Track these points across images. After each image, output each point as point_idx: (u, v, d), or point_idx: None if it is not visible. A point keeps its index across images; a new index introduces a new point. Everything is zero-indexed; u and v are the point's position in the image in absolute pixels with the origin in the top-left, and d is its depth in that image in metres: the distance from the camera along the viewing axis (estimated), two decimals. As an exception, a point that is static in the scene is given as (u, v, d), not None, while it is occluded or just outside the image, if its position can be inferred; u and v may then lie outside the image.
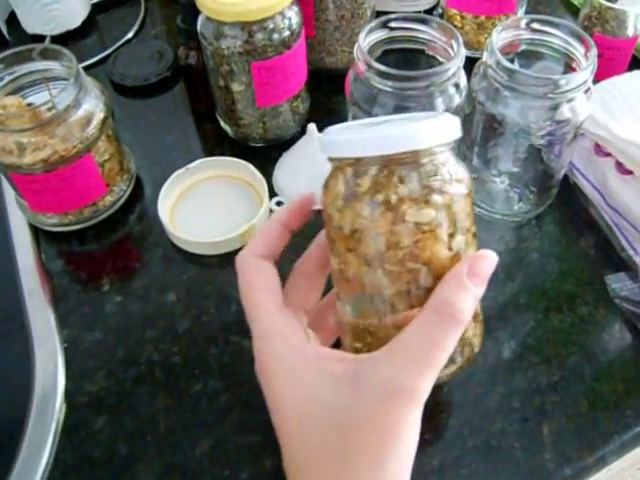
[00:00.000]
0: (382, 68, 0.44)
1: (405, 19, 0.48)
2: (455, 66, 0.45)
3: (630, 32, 0.60)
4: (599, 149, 0.54)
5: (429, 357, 0.30)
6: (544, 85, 0.45)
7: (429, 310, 0.31)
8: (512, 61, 0.62)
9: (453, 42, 0.46)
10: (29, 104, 0.53)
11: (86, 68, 0.69)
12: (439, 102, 0.46)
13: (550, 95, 0.45)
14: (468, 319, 0.31)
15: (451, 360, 0.33)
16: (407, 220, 0.30)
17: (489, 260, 0.33)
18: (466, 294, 0.31)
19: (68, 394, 0.47)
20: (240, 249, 0.53)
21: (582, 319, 0.50)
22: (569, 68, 0.49)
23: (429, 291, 0.31)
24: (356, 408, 0.30)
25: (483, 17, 0.65)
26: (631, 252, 0.51)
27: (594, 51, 0.45)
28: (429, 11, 0.72)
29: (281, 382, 0.33)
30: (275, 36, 0.52)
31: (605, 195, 0.54)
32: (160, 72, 0.67)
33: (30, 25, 0.72)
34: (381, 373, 0.30)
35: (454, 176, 0.31)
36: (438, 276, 0.31)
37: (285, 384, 0.33)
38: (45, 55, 0.53)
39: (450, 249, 0.32)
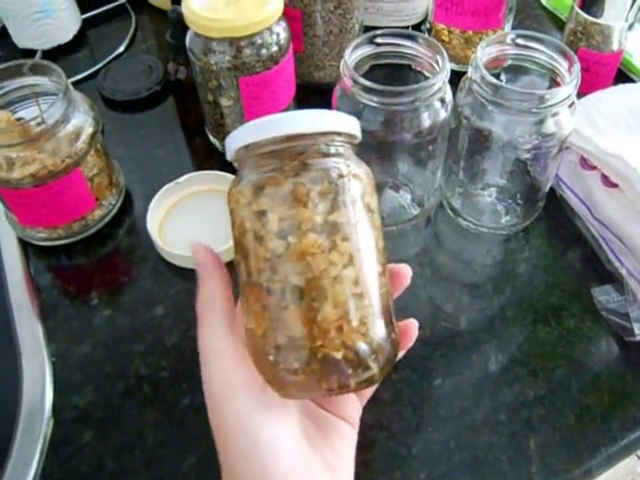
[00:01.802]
0: (367, 83, 0.45)
1: (390, 35, 0.49)
2: (440, 81, 0.46)
3: (615, 47, 0.61)
4: (585, 162, 0.54)
5: None
6: (528, 100, 0.45)
7: None
8: (498, 75, 0.63)
9: (438, 57, 0.47)
10: (18, 119, 0.54)
11: (77, 82, 0.70)
12: (425, 117, 0.47)
13: (534, 110, 0.45)
14: None
15: (363, 366, 0.30)
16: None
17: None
18: None
19: (56, 408, 0.46)
20: (227, 264, 0.54)
21: (569, 331, 0.50)
22: (554, 83, 0.49)
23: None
24: None
25: (470, 32, 0.66)
26: (617, 264, 0.52)
27: (577, 66, 0.46)
28: (417, 26, 0.72)
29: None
30: (263, 51, 0.53)
31: (591, 208, 0.54)
32: (150, 86, 0.67)
33: (21, 40, 0.73)
34: None
35: (351, 171, 0.31)
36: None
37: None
38: (35, 70, 0.53)
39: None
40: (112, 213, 0.57)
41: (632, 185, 0.50)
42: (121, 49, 0.74)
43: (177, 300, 0.52)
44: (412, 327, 0.35)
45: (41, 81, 0.54)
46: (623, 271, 0.51)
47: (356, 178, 0.31)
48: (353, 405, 0.37)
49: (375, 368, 0.31)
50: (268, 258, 0.30)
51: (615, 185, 0.52)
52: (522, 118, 0.46)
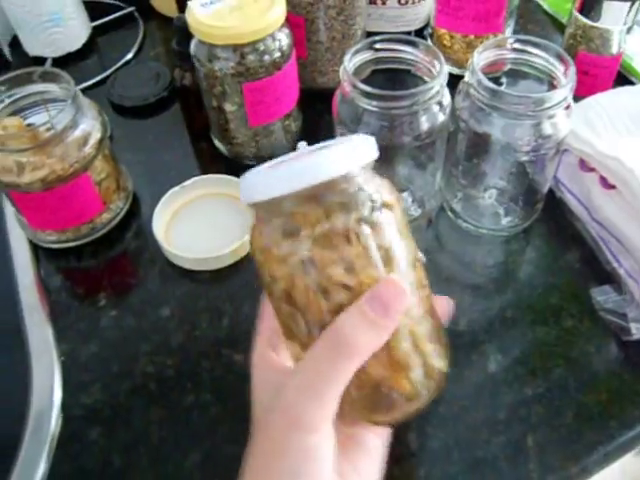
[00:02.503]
0: (366, 88, 0.46)
1: (389, 40, 0.49)
2: (438, 85, 0.47)
3: (614, 50, 0.61)
4: (583, 164, 0.55)
5: (316, 388, 0.29)
6: (525, 103, 0.46)
7: (323, 337, 0.29)
8: (498, 79, 0.64)
9: (436, 62, 0.48)
10: (29, 125, 0.55)
11: (86, 89, 0.71)
12: (423, 120, 0.48)
13: (531, 113, 0.46)
14: (365, 351, 0.29)
15: (414, 396, 0.31)
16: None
17: (392, 285, 0.29)
18: (362, 323, 0.28)
19: (64, 406, 0.48)
20: (232, 265, 0.55)
21: (567, 331, 0.50)
22: (551, 86, 0.50)
23: None
24: (267, 430, 0.31)
25: (472, 36, 0.67)
26: (615, 265, 0.52)
27: (573, 69, 0.47)
28: (420, 31, 0.73)
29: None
30: (266, 57, 0.54)
31: (590, 209, 0.55)
32: (158, 93, 0.69)
33: (32, 48, 0.74)
34: (282, 395, 0.30)
35: (380, 199, 0.31)
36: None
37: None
38: (44, 78, 0.55)
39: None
40: (120, 216, 0.58)
41: (629, 186, 0.50)
42: (129, 56, 0.76)
43: (182, 301, 0.53)
44: (447, 305, 0.35)
45: (51, 88, 0.55)
46: (621, 271, 0.51)
47: (388, 207, 0.31)
48: None
49: (425, 395, 0.32)
50: (332, 310, 0.30)
51: (613, 187, 0.52)
52: (519, 121, 0.47)
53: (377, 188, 0.31)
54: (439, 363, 0.33)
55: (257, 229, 0.32)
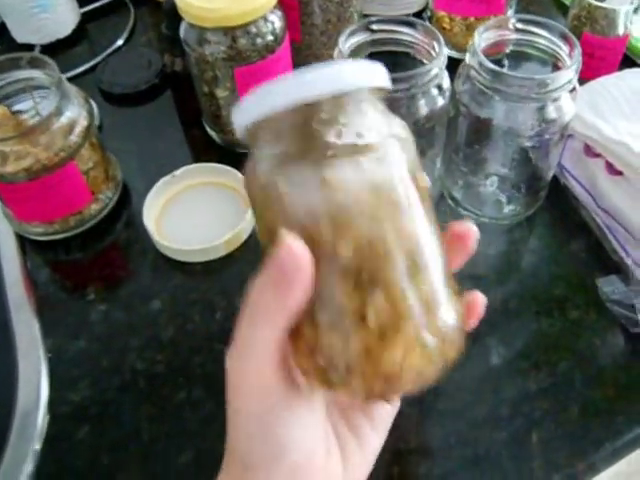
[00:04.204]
0: (362, 71, 0.44)
1: (386, 21, 0.47)
2: (437, 67, 0.45)
3: (620, 31, 0.59)
4: (589, 150, 0.53)
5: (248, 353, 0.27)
6: (528, 85, 0.44)
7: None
8: (500, 62, 0.61)
9: (435, 43, 0.46)
10: (15, 112, 0.53)
11: (76, 76, 0.70)
12: (422, 104, 0.46)
13: (534, 95, 0.44)
14: (269, 312, 0.25)
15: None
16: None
17: (292, 256, 0.24)
18: (265, 286, 0.25)
19: (51, 404, 0.46)
20: (225, 257, 0.53)
21: (573, 323, 0.49)
22: (556, 68, 0.48)
23: None
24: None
25: (472, 18, 0.65)
26: (622, 254, 0.50)
27: (578, 50, 0.45)
28: (418, 14, 0.71)
29: None
30: (258, 41, 0.52)
31: (595, 196, 0.53)
32: (148, 80, 0.67)
33: (20, 34, 0.72)
34: None
35: (391, 129, 0.27)
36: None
37: None
38: (31, 64, 0.53)
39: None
40: (109, 207, 0.57)
41: (637, 172, 0.48)
42: (120, 42, 0.73)
43: (174, 294, 0.52)
44: (478, 302, 0.30)
45: (36, 74, 0.53)
46: (629, 261, 0.50)
47: (399, 139, 0.27)
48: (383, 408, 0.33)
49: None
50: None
51: (620, 173, 0.51)
52: (522, 104, 0.45)
53: (389, 120, 0.27)
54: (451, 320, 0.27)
55: (256, 164, 0.27)
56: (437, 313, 0.26)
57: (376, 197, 0.25)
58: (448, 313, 0.27)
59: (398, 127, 0.28)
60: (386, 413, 0.34)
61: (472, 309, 0.30)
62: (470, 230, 0.30)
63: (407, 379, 0.26)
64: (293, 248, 0.24)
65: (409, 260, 0.26)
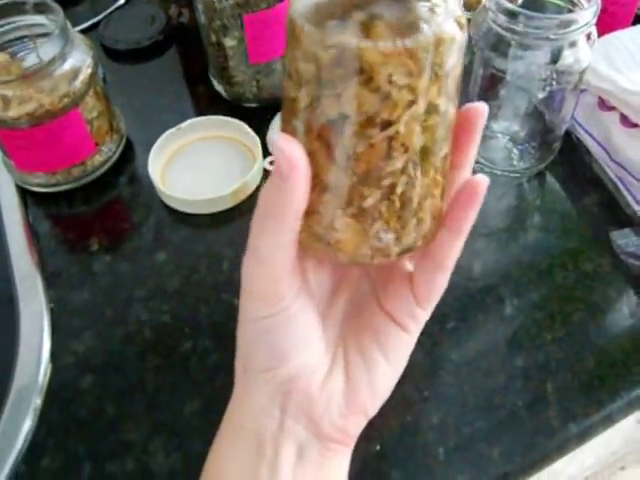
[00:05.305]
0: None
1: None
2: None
3: (635, -13, 0.58)
4: (603, 103, 0.52)
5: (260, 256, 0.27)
6: (546, 26, 0.43)
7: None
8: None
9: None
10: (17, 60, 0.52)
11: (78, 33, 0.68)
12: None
13: (552, 36, 0.43)
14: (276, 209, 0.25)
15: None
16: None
17: (289, 159, 0.24)
18: (270, 185, 0.25)
19: (54, 355, 0.45)
20: (232, 208, 0.52)
21: (587, 275, 0.48)
22: (573, 17, 0.47)
23: None
24: None
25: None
26: (636, 207, 0.50)
27: (597, -8, 0.44)
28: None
29: None
30: (269, -14, 0.51)
31: (609, 150, 0.52)
32: (152, 36, 0.65)
33: (20, -9, 0.71)
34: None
35: (451, 12, 0.24)
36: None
37: None
38: (35, 9, 0.52)
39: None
40: (113, 160, 0.55)
41: (654, 122, 0.48)
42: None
43: (180, 246, 0.51)
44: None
45: (40, 20, 0.52)
46: (643, 214, 0.49)
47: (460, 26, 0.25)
48: (409, 304, 0.31)
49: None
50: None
51: (635, 125, 0.50)
52: (538, 50, 0.44)
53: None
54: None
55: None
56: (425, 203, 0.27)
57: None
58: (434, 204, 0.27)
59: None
60: (400, 342, 0.33)
61: (472, 187, 0.28)
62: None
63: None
64: (286, 151, 0.24)
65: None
